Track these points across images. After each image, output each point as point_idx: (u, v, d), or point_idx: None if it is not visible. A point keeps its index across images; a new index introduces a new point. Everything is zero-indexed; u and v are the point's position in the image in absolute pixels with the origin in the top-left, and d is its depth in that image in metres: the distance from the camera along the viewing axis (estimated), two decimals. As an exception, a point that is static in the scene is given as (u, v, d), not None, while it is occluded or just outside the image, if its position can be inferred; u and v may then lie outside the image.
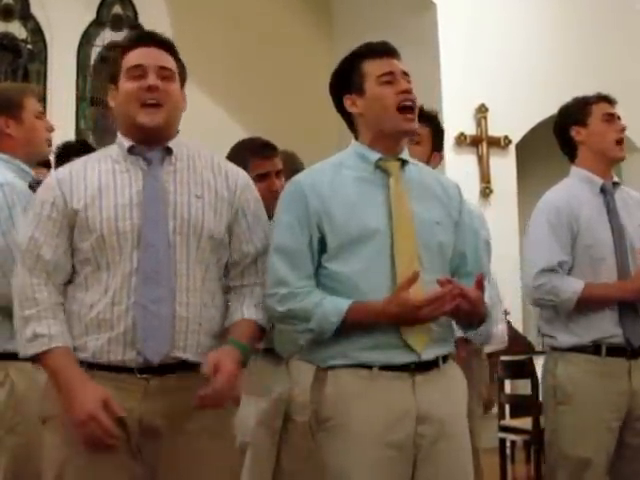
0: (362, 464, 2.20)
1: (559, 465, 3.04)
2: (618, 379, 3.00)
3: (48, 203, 2.20)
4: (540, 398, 5.08)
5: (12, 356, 2.52)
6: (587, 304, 3.00)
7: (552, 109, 7.51)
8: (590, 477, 2.96)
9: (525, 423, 5.04)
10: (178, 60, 2.31)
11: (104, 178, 2.21)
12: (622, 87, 7.30)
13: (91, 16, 7.87)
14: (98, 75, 7.93)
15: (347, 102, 2.40)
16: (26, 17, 7.64)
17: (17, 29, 7.63)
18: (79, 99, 7.63)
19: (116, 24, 7.98)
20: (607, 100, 3.24)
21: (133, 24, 8.00)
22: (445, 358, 2.33)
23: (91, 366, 2.13)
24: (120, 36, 8.01)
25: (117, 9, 8.02)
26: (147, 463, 2.14)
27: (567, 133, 3.22)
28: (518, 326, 6.90)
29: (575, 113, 3.23)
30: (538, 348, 7.33)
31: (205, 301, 2.20)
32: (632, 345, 3.00)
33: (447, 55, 7.18)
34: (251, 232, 2.30)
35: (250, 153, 3.09)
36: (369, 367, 2.23)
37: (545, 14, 7.57)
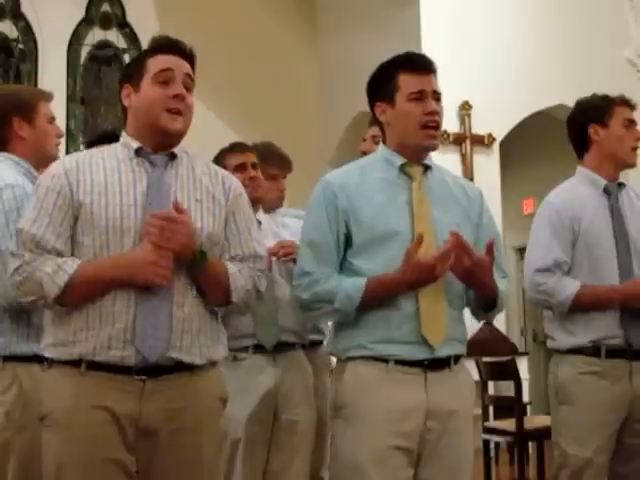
0: (372, 451, 2.32)
1: (561, 464, 3.07)
2: (618, 380, 3.01)
3: (54, 191, 2.22)
4: (524, 399, 5.11)
5: (20, 358, 2.62)
6: (583, 306, 3.01)
7: (536, 107, 7.61)
8: (590, 477, 2.99)
9: (509, 424, 5.04)
10: (194, 73, 2.40)
11: (110, 176, 2.25)
12: (604, 84, 7.33)
13: (80, 14, 7.88)
14: (88, 75, 7.95)
15: (377, 109, 2.53)
16: (17, 16, 7.63)
17: (8, 28, 7.63)
18: (69, 99, 7.64)
19: (105, 22, 7.99)
20: (629, 105, 3.24)
21: (121, 22, 8.03)
22: (457, 359, 2.46)
23: (90, 366, 2.16)
24: (109, 35, 8.05)
25: (105, 7, 8.03)
26: (142, 462, 2.19)
27: (584, 130, 3.20)
28: (501, 327, 6.88)
29: (597, 111, 3.19)
30: (521, 349, 7.35)
31: (200, 300, 2.26)
32: (632, 347, 3.00)
33: (430, 52, 7.02)
34: (240, 237, 2.37)
35: (226, 151, 3.37)
36: (385, 361, 2.37)
37: (528, 11, 7.57)
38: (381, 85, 2.52)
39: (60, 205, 2.21)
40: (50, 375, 2.24)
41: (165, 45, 2.36)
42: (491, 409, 5.53)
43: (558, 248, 3.04)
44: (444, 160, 7.00)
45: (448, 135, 7.17)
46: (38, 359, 2.57)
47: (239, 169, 3.26)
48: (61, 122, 7.50)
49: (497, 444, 5.76)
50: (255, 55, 8.00)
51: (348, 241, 2.44)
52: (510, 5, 7.53)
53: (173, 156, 2.32)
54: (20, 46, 7.57)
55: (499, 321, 6.87)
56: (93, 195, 2.21)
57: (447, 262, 2.31)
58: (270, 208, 3.50)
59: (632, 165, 3.20)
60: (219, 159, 3.33)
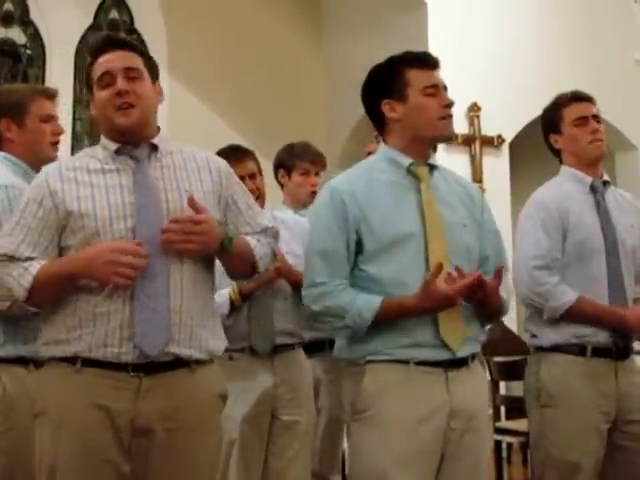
0: (395, 455, 2.31)
1: (547, 468, 3.02)
2: (604, 380, 2.99)
3: (35, 202, 2.26)
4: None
5: (5, 360, 2.57)
6: (573, 318, 2.99)
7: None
8: None
9: (521, 425, 5.01)
10: (145, 56, 2.41)
11: (95, 178, 2.27)
12: (614, 85, 7.34)
13: (88, 21, 7.94)
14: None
15: (385, 107, 2.51)
16: (25, 23, 7.69)
17: (17, 35, 7.68)
18: (76, 103, 7.69)
19: (113, 29, 8.04)
20: (578, 99, 3.22)
21: (129, 29, 8.08)
22: (473, 357, 2.48)
23: (85, 363, 2.17)
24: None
25: (114, 14, 8.09)
26: (138, 461, 2.19)
27: (548, 141, 3.26)
28: (512, 327, 6.86)
29: (550, 121, 3.26)
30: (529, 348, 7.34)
31: (196, 294, 2.27)
32: (617, 345, 2.96)
33: (438, 54, 7.09)
34: (244, 215, 2.41)
35: (223, 157, 3.24)
36: (406, 362, 2.36)
37: (537, 13, 7.56)
38: (388, 82, 2.51)
39: (40, 216, 2.24)
40: (44, 372, 2.27)
41: (99, 46, 2.39)
42: (503, 409, 5.52)
43: (550, 244, 3.04)
44: (453, 161, 7.03)
45: (457, 136, 7.15)
46: (24, 362, 2.58)
47: None
48: (68, 124, 7.47)
49: (509, 444, 5.74)
50: (261, 59, 8.02)
51: (359, 248, 2.41)
52: (519, 7, 7.52)
53: (154, 147, 2.34)
54: (28, 52, 7.64)
55: (510, 321, 6.85)
56: (80, 201, 2.23)
57: (465, 293, 2.31)
58: (301, 204, 3.51)
59: (598, 157, 3.18)
60: None
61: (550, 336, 3.03)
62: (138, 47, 2.41)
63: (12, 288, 2.19)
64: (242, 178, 3.16)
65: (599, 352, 2.99)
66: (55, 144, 2.86)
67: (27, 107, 2.77)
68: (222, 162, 2.45)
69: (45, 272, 2.18)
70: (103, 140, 2.35)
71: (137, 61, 2.35)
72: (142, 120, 2.31)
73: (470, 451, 2.39)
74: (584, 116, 3.17)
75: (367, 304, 2.34)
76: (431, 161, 2.53)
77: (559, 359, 3.01)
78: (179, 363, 2.21)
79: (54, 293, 2.20)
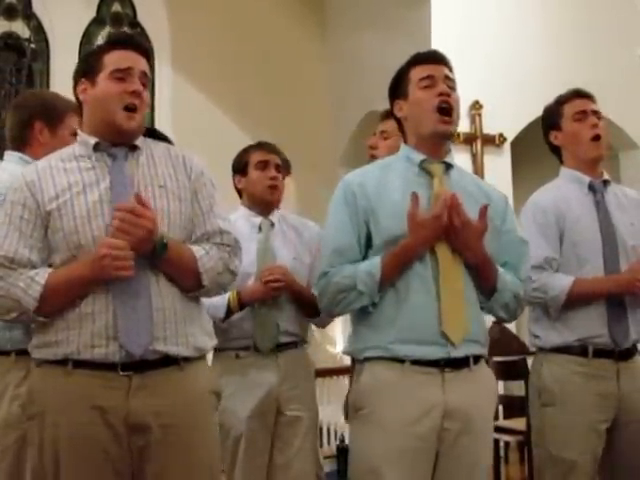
0: (388, 452, 2.33)
1: (546, 466, 3.03)
2: (605, 381, 2.97)
3: (19, 205, 2.24)
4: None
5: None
6: (577, 300, 2.99)
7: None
8: (576, 479, 2.93)
9: (519, 424, 5.03)
10: (151, 67, 2.43)
11: (72, 177, 2.26)
12: (616, 84, 7.32)
13: (91, 14, 7.93)
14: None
15: (396, 107, 2.56)
16: (29, 16, 7.68)
17: (20, 28, 7.67)
18: (80, 98, 7.74)
19: (116, 22, 8.04)
20: (579, 95, 3.19)
21: (132, 22, 8.09)
22: (477, 359, 2.44)
23: (76, 364, 2.18)
24: (120, 35, 8.10)
25: (117, 7, 8.10)
26: (137, 460, 2.20)
27: (548, 138, 3.21)
28: (511, 327, 6.86)
29: (550, 117, 3.24)
30: (531, 349, 7.32)
31: (176, 289, 2.26)
32: (618, 346, 2.95)
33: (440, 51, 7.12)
34: (204, 216, 2.36)
35: (251, 147, 3.41)
36: (402, 361, 2.35)
37: (540, 11, 7.54)
38: (397, 84, 2.55)
39: (27, 218, 2.23)
40: (38, 374, 2.26)
41: (122, 41, 2.39)
42: (501, 408, 5.53)
43: (546, 246, 3.03)
44: (455, 160, 7.02)
45: (459, 135, 7.13)
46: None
47: (261, 166, 3.29)
48: (72, 120, 7.72)
49: (507, 443, 5.76)
50: (264, 54, 8.03)
51: (369, 242, 2.42)
52: (521, 5, 7.51)
53: (133, 147, 2.33)
54: (32, 46, 7.62)
55: (509, 321, 6.85)
56: (58, 200, 2.22)
57: (446, 212, 2.31)
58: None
59: (597, 157, 3.14)
60: (242, 154, 3.36)
61: (553, 337, 3.02)
62: (151, 57, 2.39)
63: (20, 300, 2.17)
64: (267, 163, 3.30)
65: (601, 353, 2.97)
66: None
67: (63, 117, 2.81)
68: (196, 160, 2.42)
69: (54, 281, 2.18)
70: (82, 136, 2.33)
71: (147, 70, 2.36)
72: (140, 126, 2.31)
73: (467, 452, 2.37)
74: (584, 110, 3.13)
75: (370, 264, 2.35)
76: (447, 160, 2.51)
77: (561, 359, 3.00)
78: (168, 361, 2.22)
79: (67, 301, 2.18)
